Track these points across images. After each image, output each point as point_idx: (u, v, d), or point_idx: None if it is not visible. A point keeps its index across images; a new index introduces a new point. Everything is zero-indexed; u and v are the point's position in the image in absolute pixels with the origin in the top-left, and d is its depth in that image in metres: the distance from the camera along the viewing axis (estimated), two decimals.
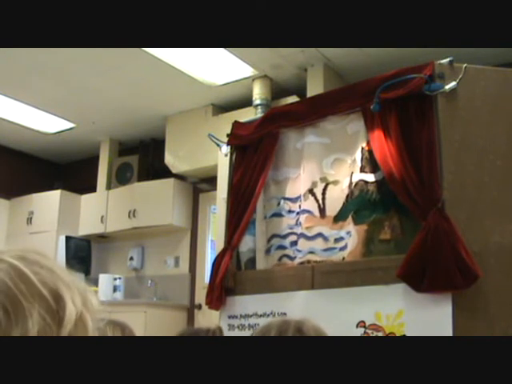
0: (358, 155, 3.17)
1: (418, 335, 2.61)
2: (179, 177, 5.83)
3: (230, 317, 3.37)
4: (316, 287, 3.08)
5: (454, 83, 2.84)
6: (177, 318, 5.61)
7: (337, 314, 2.90)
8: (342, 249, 3.11)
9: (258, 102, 4.87)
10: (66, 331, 0.57)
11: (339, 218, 3.18)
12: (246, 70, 4.81)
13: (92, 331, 0.60)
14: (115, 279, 5.90)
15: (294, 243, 3.32)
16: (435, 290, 2.63)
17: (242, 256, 3.52)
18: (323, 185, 3.29)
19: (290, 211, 3.41)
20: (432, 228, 2.66)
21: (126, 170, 6.25)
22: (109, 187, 6.31)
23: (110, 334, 1.39)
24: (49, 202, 6.38)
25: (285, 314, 3.05)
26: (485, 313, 2.59)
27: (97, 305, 0.62)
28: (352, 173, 3.17)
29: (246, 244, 3.50)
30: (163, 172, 5.81)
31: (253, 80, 4.94)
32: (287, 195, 3.44)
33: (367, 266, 2.94)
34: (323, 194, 3.28)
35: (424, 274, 2.64)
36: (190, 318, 5.64)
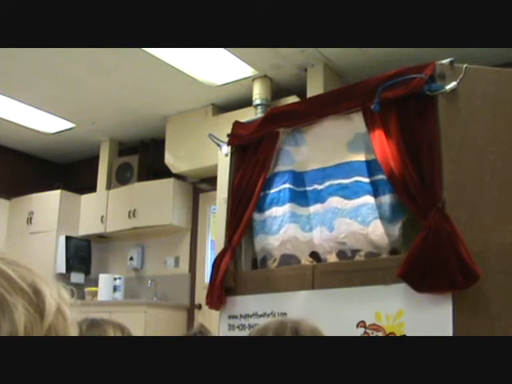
0: None
1: (418, 335, 2.61)
2: (179, 177, 5.83)
3: (230, 317, 3.37)
4: (316, 287, 3.08)
5: (454, 83, 2.84)
6: (177, 318, 5.61)
7: (337, 314, 2.90)
8: None
9: (258, 101, 4.87)
10: (47, 322, 0.59)
11: None
12: (246, 70, 4.81)
13: (72, 323, 0.63)
14: (115, 279, 5.90)
15: None
16: (436, 290, 2.63)
17: (256, 255, 3.48)
18: None
19: None
20: (433, 228, 2.66)
21: (126, 170, 6.25)
22: (109, 187, 6.31)
23: (111, 334, 1.39)
24: (49, 202, 6.38)
25: (285, 314, 3.05)
26: (485, 313, 2.59)
27: (69, 300, 0.65)
28: None
29: (259, 243, 3.47)
30: (163, 172, 5.81)
31: (253, 80, 4.94)
32: None
33: (367, 266, 2.94)
34: None
35: (425, 274, 2.65)
36: (190, 318, 5.64)
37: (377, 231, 3.00)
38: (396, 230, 2.98)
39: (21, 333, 0.56)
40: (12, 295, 0.58)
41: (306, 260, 3.26)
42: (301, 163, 3.40)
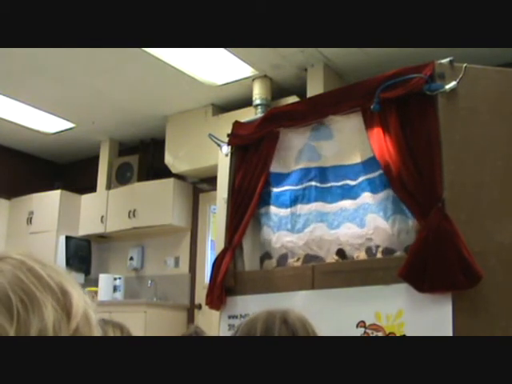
0: None
1: (418, 335, 2.61)
2: (179, 177, 5.83)
3: (230, 317, 3.37)
4: (316, 287, 3.08)
5: (454, 83, 2.84)
6: (177, 318, 5.61)
7: (337, 314, 2.90)
8: None
9: (258, 101, 4.87)
10: (74, 324, 0.59)
11: None
12: (246, 70, 4.80)
13: (96, 327, 0.62)
14: (115, 279, 5.90)
15: None
16: (438, 290, 2.63)
17: (274, 252, 3.48)
18: None
19: None
20: (434, 227, 2.66)
21: (126, 170, 6.25)
22: (109, 187, 6.31)
23: (111, 334, 1.39)
24: (49, 201, 6.38)
25: None
26: (485, 313, 2.59)
27: (92, 304, 0.64)
28: None
29: (279, 240, 3.43)
30: (163, 172, 5.81)
31: (253, 80, 4.94)
32: None
33: (367, 266, 2.94)
34: None
35: (426, 273, 2.64)
36: (190, 318, 5.64)
37: (395, 226, 2.98)
38: (411, 226, 2.94)
39: (50, 331, 0.56)
40: (42, 293, 0.58)
41: (331, 259, 3.22)
42: (328, 158, 3.33)
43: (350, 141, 3.25)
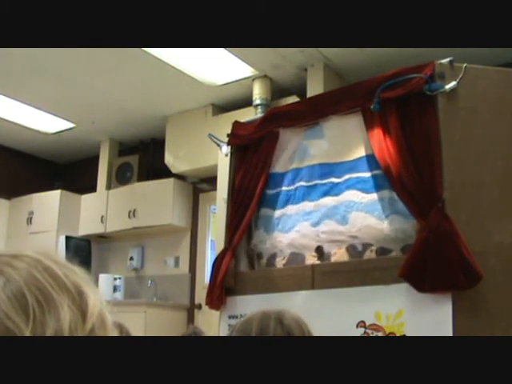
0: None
1: (418, 335, 2.61)
2: (179, 177, 5.83)
3: (230, 317, 3.37)
4: (316, 287, 3.08)
5: (454, 83, 2.84)
6: (177, 317, 5.61)
7: (337, 314, 2.90)
8: None
9: (258, 101, 4.87)
10: (90, 324, 0.58)
11: None
12: (246, 70, 4.81)
13: (111, 327, 0.62)
14: (115, 279, 5.91)
15: None
16: (438, 290, 2.63)
17: (265, 253, 3.46)
18: None
19: None
20: (434, 227, 2.66)
21: (126, 170, 6.25)
22: (109, 187, 6.31)
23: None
24: (49, 202, 6.38)
25: None
26: (485, 313, 2.59)
27: (107, 306, 0.64)
28: None
29: (271, 240, 3.42)
30: (163, 172, 5.81)
31: (253, 80, 4.94)
32: None
33: (367, 266, 2.94)
34: None
35: (427, 274, 2.64)
36: (190, 318, 5.64)
37: (392, 226, 2.96)
38: (410, 226, 2.92)
39: (66, 332, 0.55)
40: (58, 293, 0.57)
41: (310, 256, 3.23)
42: (316, 156, 3.33)
43: (341, 140, 3.25)
